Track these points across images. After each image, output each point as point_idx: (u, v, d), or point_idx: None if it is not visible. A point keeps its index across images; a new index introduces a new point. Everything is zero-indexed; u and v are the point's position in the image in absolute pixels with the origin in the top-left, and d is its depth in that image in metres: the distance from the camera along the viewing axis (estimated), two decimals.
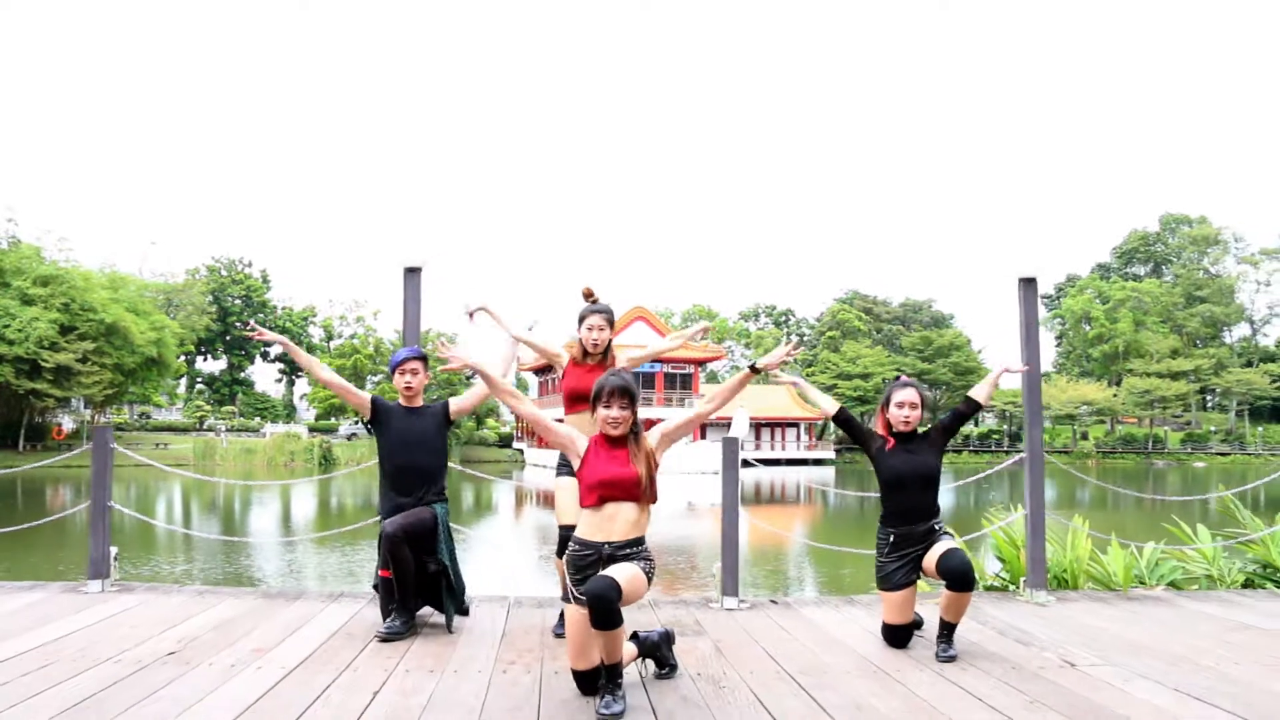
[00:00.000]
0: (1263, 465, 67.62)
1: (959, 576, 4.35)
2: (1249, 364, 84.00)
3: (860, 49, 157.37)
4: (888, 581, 4.60)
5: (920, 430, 4.75)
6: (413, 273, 5.99)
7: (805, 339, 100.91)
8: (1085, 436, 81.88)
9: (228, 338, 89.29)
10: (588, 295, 5.07)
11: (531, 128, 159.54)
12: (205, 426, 75.77)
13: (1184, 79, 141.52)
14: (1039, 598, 5.89)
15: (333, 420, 79.44)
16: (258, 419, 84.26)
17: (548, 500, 37.53)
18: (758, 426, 72.42)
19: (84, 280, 54.10)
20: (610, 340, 4.94)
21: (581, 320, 4.90)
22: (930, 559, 4.54)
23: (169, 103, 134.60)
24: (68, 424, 64.00)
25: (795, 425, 75.39)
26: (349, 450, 60.79)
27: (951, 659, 4.37)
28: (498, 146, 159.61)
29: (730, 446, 5.85)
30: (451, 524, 5.03)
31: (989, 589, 6.50)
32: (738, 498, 5.72)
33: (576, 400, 4.76)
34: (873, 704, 3.70)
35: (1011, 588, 6.43)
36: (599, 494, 3.65)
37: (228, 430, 71.71)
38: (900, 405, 4.63)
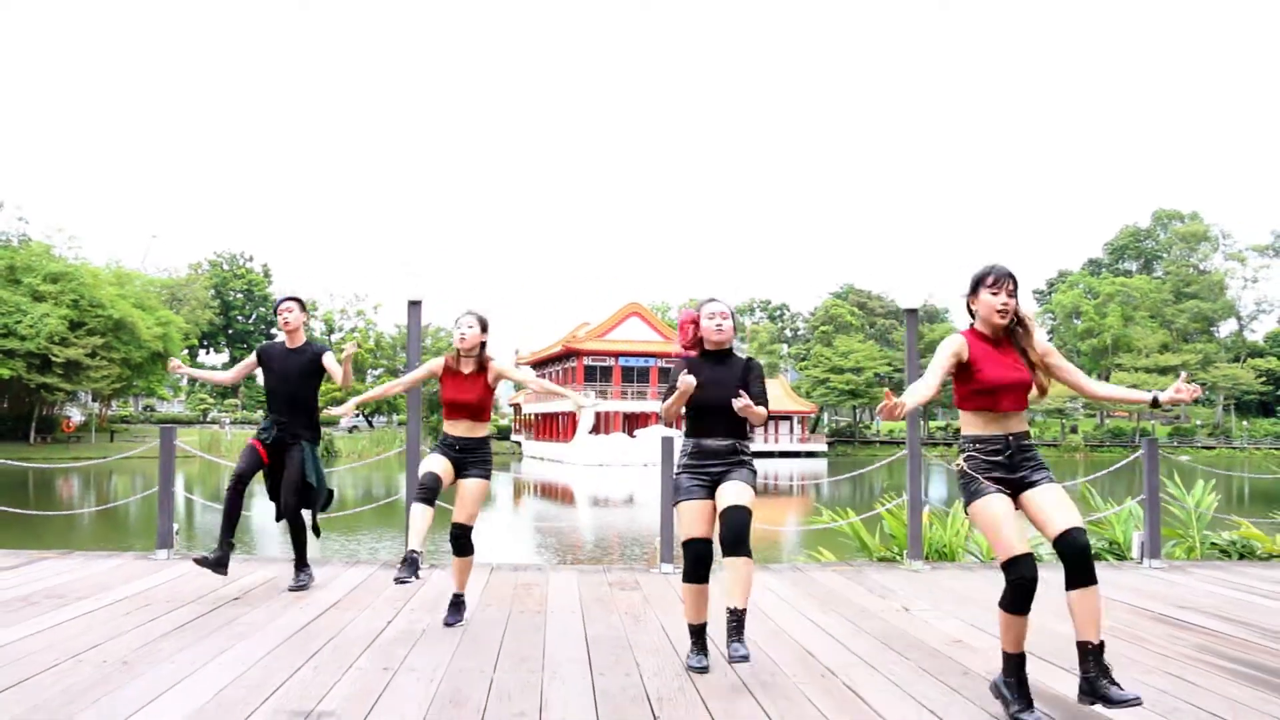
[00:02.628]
0: (1246, 458, 69.11)
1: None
2: (1236, 359, 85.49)
3: (859, 44, 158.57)
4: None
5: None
6: (415, 305, 7.46)
7: (799, 334, 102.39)
8: (1075, 430, 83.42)
9: (230, 331, 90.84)
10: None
11: (530, 123, 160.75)
12: (209, 419, 77.34)
13: (1182, 75, 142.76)
14: (914, 565, 7.40)
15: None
16: (260, 412, 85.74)
17: (546, 492, 39.07)
18: None
19: (92, 277, 55.69)
20: (482, 342, 5.29)
21: (456, 322, 5.37)
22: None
23: (169, 99, 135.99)
24: (76, 417, 65.55)
25: (788, 418, 76.91)
26: (350, 443, 62.23)
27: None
28: (496, 142, 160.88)
29: (668, 443, 7.32)
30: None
31: (881, 559, 8.02)
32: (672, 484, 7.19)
33: (455, 409, 5.24)
34: (751, 634, 5.19)
35: (898, 559, 7.94)
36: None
37: (231, 423, 73.23)
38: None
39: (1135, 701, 3.27)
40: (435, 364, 5.41)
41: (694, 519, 4.25)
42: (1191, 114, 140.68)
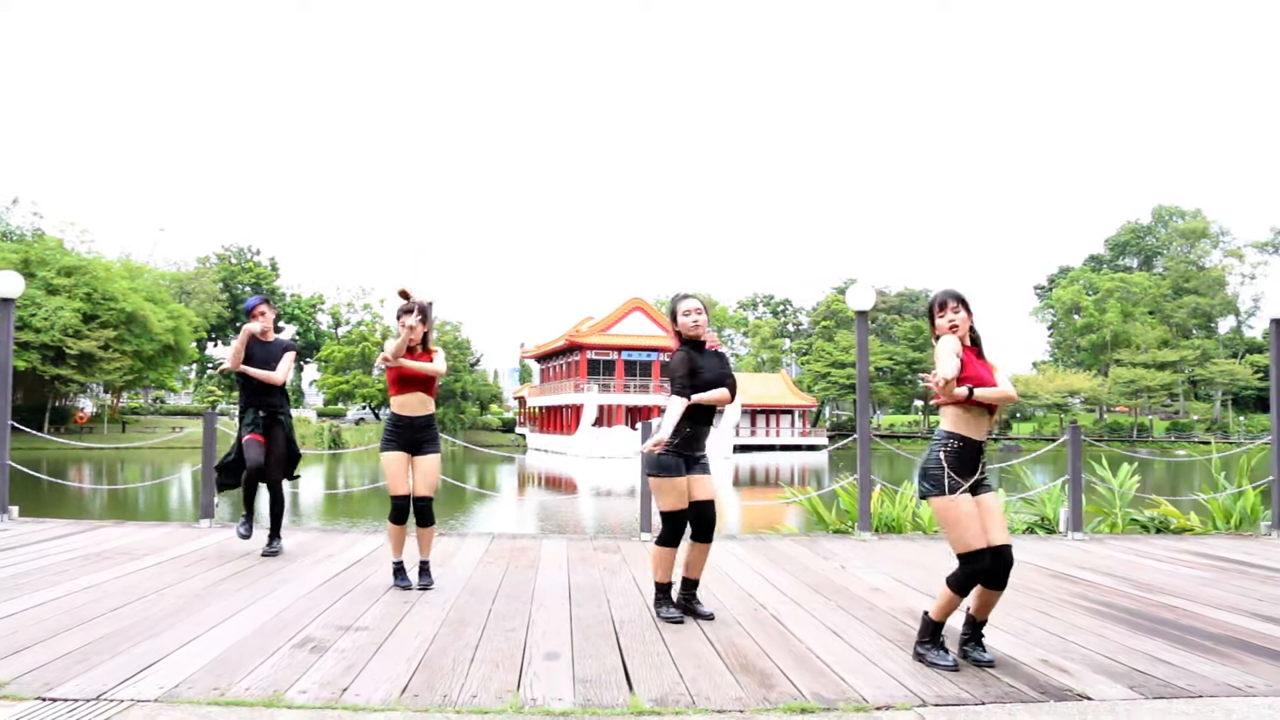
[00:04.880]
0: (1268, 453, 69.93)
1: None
2: (1235, 355, 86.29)
3: (862, 40, 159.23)
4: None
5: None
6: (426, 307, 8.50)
7: (801, 328, 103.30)
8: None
9: (238, 324, 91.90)
10: (404, 295, 5.98)
11: (534, 119, 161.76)
12: (217, 411, 78.53)
13: (1184, 72, 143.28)
14: (863, 536, 8.45)
15: (340, 405, 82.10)
16: None
17: (550, 482, 40.20)
18: (752, 414, 74.94)
19: (105, 271, 56.88)
20: (425, 332, 5.93)
21: (399, 317, 5.90)
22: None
23: (175, 94, 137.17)
24: (89, 408, 66.78)
25: (789, 412, 77.82)
26: (357, 434, 63.35)
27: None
28: (502, 137, 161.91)
29: (646, 432, 8.37)
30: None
31: (835, 531, 9.09)
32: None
33: (405, 383, 5.89)
34: (703, 582, 6.26)
35: (850, 531, 9.00)
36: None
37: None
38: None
39: (989, 664, 4.16)
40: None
41: (681, 495, 5.07)
42: (1192, 111, 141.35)
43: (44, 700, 3.44)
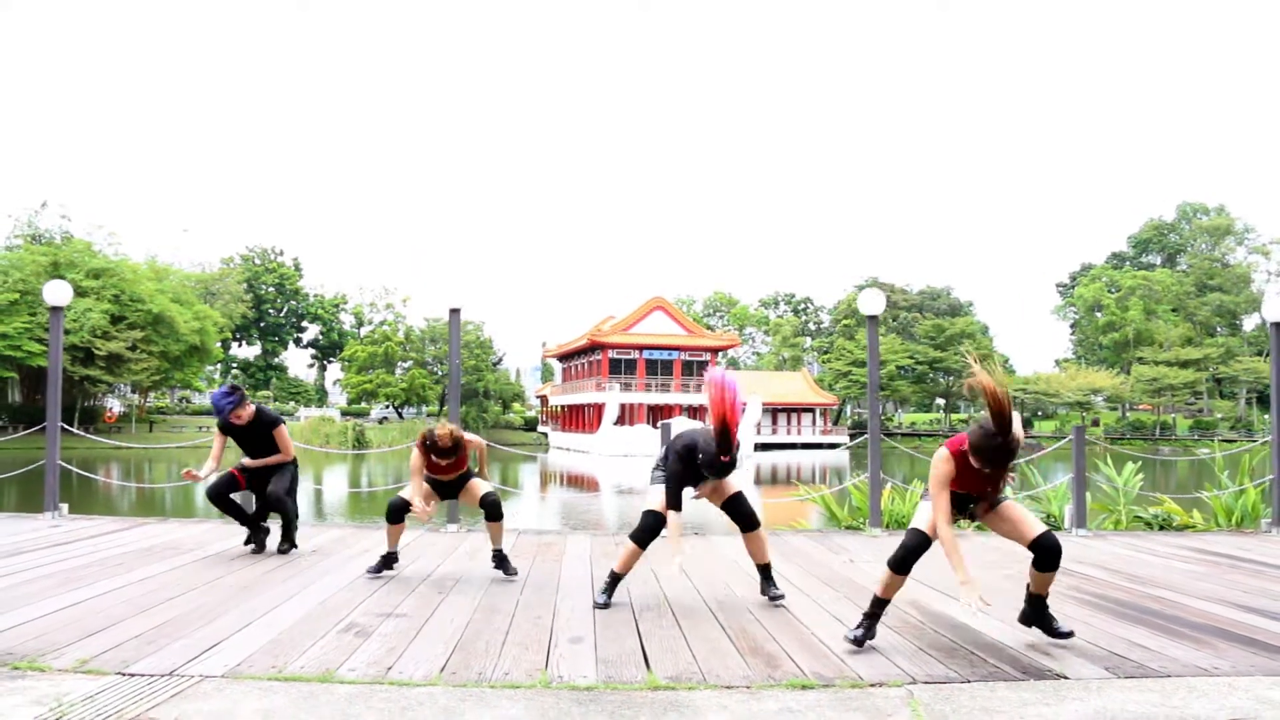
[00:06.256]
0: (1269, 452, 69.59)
1: None
2: (1260, 353, 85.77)
3: (881, 35, 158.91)
4: None
5: None
6: (455, 312, 8.91)
7: (823, 327, 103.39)
8: (1096, 423, 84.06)
9: (262, 324, 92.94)
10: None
11: (555, 118, 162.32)
12: None
13: (1209, 67, 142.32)
14: (874, 532, 8.80)
15: (364, 404, 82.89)
16: (292, 403, 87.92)
17: (572, 481, 40.65)
18: (773, 412, 75.15)
19: (132, 272, 57.90)
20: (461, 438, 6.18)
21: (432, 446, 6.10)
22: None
23: (199, 96, 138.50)
24: (116, 408, 67.80)
25: (810, 410, 78.02)
26: (381, 434, 64.01)
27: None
28: (523, 137, 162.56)
29: (666, 433, 8.74)
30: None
31: (848, 527, 9.45)
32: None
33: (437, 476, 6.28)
34: (717, 573, 6.63)
35: (862, 527, 9.35)
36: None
37: None
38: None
39: (1067, 635, 4.62)
40: (417, 459, 6.20)
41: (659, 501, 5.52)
42: (1217, 107, 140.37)
43: (124, 675, 3.85)
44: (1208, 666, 4.21)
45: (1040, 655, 4.41)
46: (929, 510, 4.56)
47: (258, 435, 7.29)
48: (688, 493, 5.45)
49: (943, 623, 4.94)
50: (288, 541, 7.39)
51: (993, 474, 4.41)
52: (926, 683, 3.96)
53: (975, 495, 4.58)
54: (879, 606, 4.65)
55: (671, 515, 5.31)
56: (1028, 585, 4.76)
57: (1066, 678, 4.04)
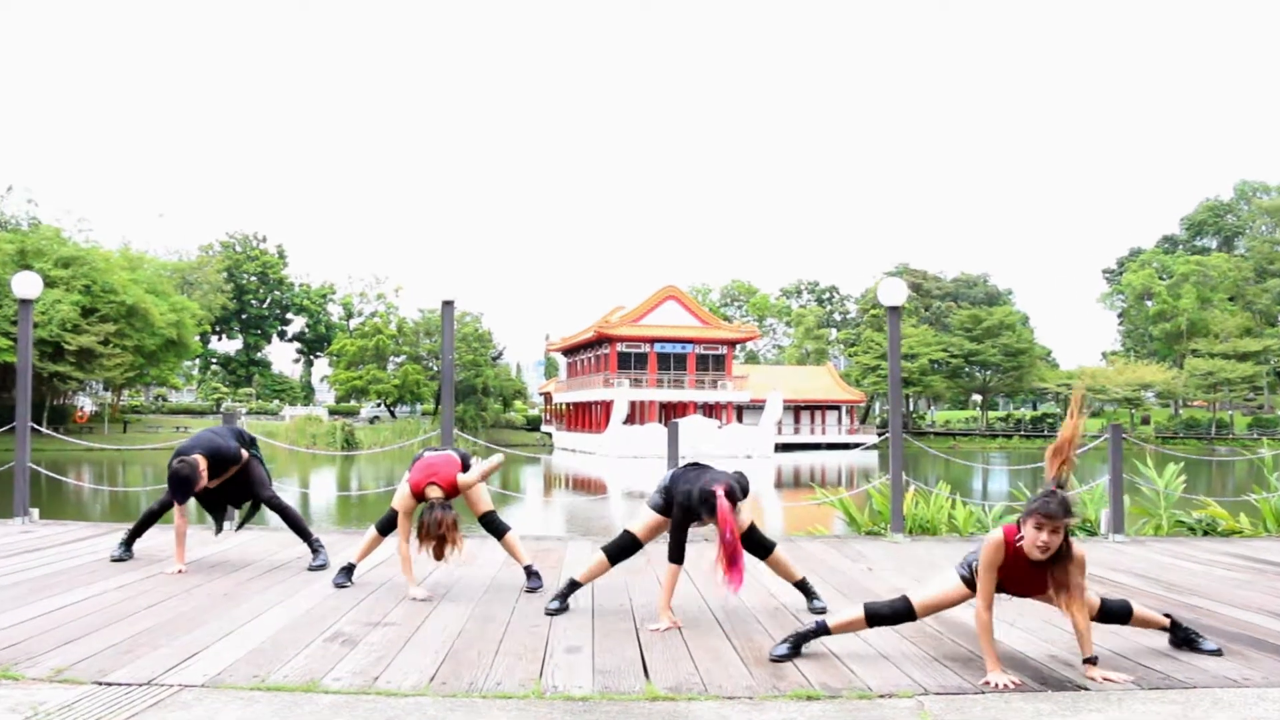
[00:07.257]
0: None
1: None
2: None
3: (921, 13, 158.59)
4: None
5: None
6: (448, 304, 9.07)
7: (849, 317, 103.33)
8: (1146, 421, 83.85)
9: (244, 316, 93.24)
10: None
11: (565, 104, 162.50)
12: (223, 409, 79.94)
13: (1270, 37, 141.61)
14: (896, 538, 8.93)
15: (353, 403, 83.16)
16: (276, 401, 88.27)
17: (578, 484, 40.87)
18: (796, 409, 75.21)
19: (104, 261, 58.14)
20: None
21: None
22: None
23: (175, 77, 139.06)
24: (88, 406, 68.29)
25: (836, 408, 78.05)
26: (372, 434, 64.32)
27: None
28: (530, 121, 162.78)
29: (673, 432, 8.89)
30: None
31: (867, 533, 9.58)
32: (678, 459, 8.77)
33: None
34: (695, 576, 6.76)
35: (882, 533, 9.48)
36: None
37: (246, 413, 75.68)
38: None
39: (1215, 653, 4.77)
40: (409, 504, 6.31)
41: (649, 529, 5.77)
42: (1278, 77, 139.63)
43: (100, 684, 4.01)
44: (1237, 678, 4.33)
45: (1062, 667, 4.54)
46: (944, 582, 4.78)
47: (219, 486, 7.34)
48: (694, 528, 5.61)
49: (960, 631, 5.07)
50: (308, 543, 7.39)
51: (1040, 571, 4.48)
52: (939, 694, 4.09)
53: (1017, 594, 4.66)
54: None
55: (670, 569, 5.45)
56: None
57: (1086, 689, 4.17)
